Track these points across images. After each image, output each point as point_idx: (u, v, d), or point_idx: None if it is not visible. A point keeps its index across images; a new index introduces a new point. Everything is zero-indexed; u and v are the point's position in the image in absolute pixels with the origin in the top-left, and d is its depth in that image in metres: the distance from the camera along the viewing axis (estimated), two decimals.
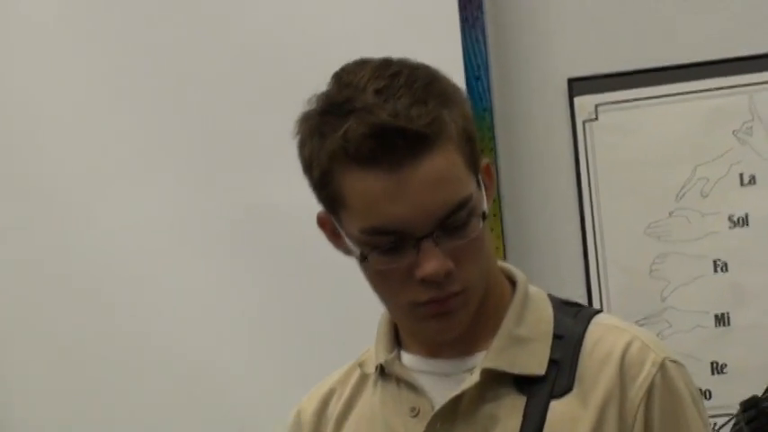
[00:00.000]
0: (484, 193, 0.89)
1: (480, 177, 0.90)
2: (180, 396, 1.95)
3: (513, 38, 1.84)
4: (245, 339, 1.94)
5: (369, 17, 1.86)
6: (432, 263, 0.84)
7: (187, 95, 2.00)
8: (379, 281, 0.90)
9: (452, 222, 0.85)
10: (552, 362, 0.91)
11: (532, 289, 0.97)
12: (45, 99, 2.04)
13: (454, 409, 0.91)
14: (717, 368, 1.78)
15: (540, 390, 0.91)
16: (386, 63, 0.89)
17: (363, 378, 1.00)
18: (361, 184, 0.85)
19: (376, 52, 0.91)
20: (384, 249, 0.87)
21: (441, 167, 0.85)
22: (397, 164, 0.83)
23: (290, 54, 1.91)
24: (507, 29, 1.84)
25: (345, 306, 1.81)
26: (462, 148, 0.87)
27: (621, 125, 1.82)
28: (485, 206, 0.89)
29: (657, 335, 1.39)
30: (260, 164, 1.92)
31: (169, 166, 1.98)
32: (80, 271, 2.01)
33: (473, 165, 0.88)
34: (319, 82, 0.89)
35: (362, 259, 0.89)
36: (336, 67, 0.90)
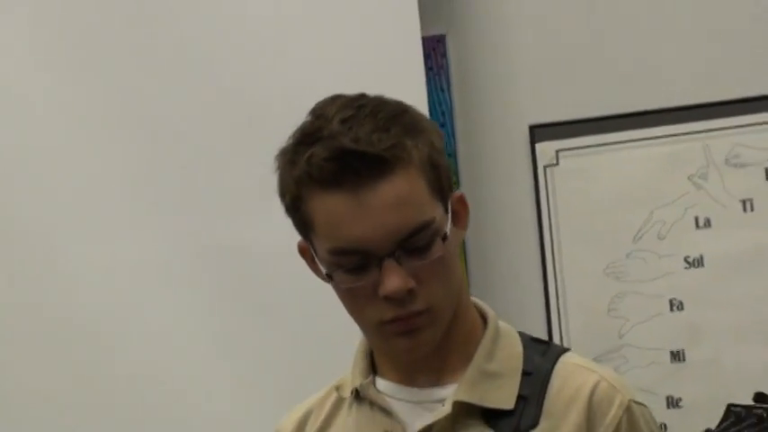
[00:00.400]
0: (450, 219, 0.92)
1: (450, 205, 0.93)
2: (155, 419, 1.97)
3: (476, 86, 1.89)
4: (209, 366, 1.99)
5: (334, 64, 1.89)
6: (393, 281, 0.87)
7: (157, 140, 2.03)
8: (348, 299, 0.93)
9: (413, 243, 0.89)
10: (520, 397, 0.94)
11: (503, 325, 1.00)
12: (17, 143, 2.05)
13: None
14: (672, 402, 1.83)
15: (508, 424, 0.94)
16: (357, 97, 0.94)
17: (339, 401, 1.03)
18: (325, 206, 0.89)
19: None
20: (349, 269, 0.90)
21: (400, 190, 0.89)
22: (358, 186, 0.88)
23: (258, 100, 1.96)
24: (471, 77, 1.89)
25: (304, 339, 1.86)
26: (426, 175, 0.91)
27: (581, 170, 1.86)
28: (447, 230, 0.91)
29: (615, 370, 1.48)
30: (222, 207, 1.97)
31: (135, 208, 2.01)
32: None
33: (439, 191, 0.92)
34: (283, 125, 0.94)
35: (329, 279, 0.92)
36: (296, 112, 0.95)
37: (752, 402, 1.65)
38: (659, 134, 1.91)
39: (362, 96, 0.94)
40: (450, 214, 0.93)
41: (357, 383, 1.00)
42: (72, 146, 2.02)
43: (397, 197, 0.89)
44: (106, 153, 2.01)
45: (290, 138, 0.92)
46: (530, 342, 1.00)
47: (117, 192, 2.00)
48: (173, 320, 1.98)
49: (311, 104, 0.94)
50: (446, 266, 0.93)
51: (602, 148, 1.86)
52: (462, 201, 0.97)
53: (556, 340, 1.73)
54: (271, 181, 0.95)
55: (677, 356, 1.83)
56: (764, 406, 1.56)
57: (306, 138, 0.90)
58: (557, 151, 1.85)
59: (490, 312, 1.01)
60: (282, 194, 0.93)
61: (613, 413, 0.93)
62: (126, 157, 2.00)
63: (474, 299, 1.03)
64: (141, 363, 1.98)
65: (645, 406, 0.96)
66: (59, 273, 2.01)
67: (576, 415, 0.94)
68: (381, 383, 1.00)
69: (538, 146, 1.85)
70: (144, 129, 2.01)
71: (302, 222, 0.93)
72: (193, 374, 1.95)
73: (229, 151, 1.96)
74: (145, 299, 1.99)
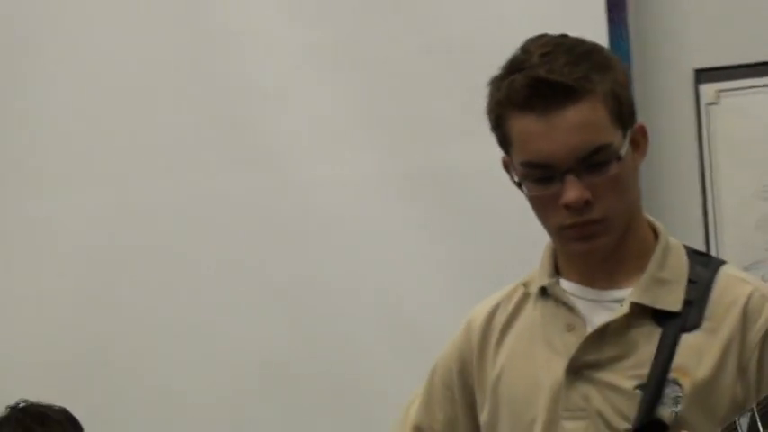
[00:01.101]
0: (627, 144, 1.04)
1: (631, 133, 1.06)
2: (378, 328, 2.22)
3: (649, 34, 2.12)
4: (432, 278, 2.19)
5: (526, 9, 2.12)
6: (572, 192, 1.01)
7: (377, 74, 2.32)
8: (536, 206, 1.06)
9: (592, 161, 1.01)
10: (686, 301, 1.05)
11: (671, 239, 1.12)
12: (270, 82, 2.38)
13: (604, 330, 1.05)
14: None
15: (674, 324, 1.04)
16: (559, 36, 1.07)
17: (525, 297, 1.14)
18: (519, 125, 1.03)
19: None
20: (537, 179, 1.04)
21: (584, 116, 1.01)
22: (548, 109, 1.01)
23: (462, 38, 2.25)
24: (645, 27, 2.12)
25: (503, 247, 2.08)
26: (609, 105, 1.02)
27: (739, 108, 2.04)
28: (623, 153, 1.03)
29: (761, 277, 1.72)
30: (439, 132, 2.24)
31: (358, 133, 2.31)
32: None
33: (619, 120, 1.04)
34: (475, 69, 1.19)
35: (519, 186, 1.08)
36: (496, 46, 1.14)
37: None
38: None
39: (564, 36, 1.07)
40: (628, 140, 1.04)
41: (544, 282, 1.12)
42: (308, 82, 2.35)
43: (581, 121, 1.01)
44: (337, 87, 2.34)
45: (500, 68, 1.07)
46: (693, 254, 1.11)
47: (346, 118, 2.32)
48: (392, 231, 2.25)
49: (506, 41, 1.10)
50: (621, 184, 1.04)
51: (759, 89, 2.02)
52: (643, 131, 1.10)
53: (712, 252, 1.91)
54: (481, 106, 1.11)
55: None
56: None
57: (511, 68, 1.05)
58: (718, 92, 2.03)
59: (661, 228, 1.12)
60: (488, 114, 1.08)
61: (763, 320, 1.04)
62: (352, 89, 2.33)
63: (647, 216, 1.14)
64: (363, 265, 2.28)
65: None
66: (297, 186, 2.36)
67: (732, 319, 1.03)
68: (564, 283, 1.10)
69: (701, 87, 2.04)
70: (366, 66, 2.33)
71: (502, 138, 1.08)
72: (411, 285, 2.22)
73: (439, 83, 2.24)
74: (366, 211, 2.29)
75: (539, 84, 1.02)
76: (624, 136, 1.05)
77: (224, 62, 2.42)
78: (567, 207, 1.03)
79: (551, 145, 1.02)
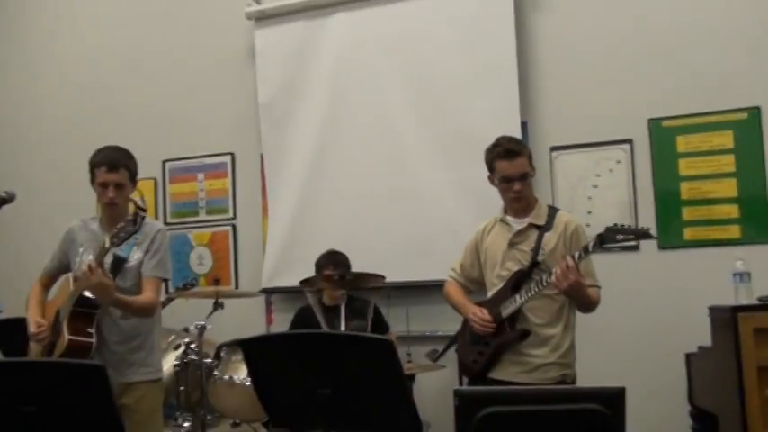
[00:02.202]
0: (532, 173, 3.55)
1: (531, 169, 3.56)
2: None
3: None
4: None
5: None
6: (517, 187, 3.47)
7: None
8: (502, 191, 3.56)
9: (523, 177, 3.45)
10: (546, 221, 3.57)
11: (542, 202, 3.56)
12: None
13: (518, 232, 3.56)
14: None
15: (542, 229, 3.51)
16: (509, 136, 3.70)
17: (495, 221, 3.66)
18: (500, 164, 3.51)
19: None
20: (505, 183, 3.50)
21: (523, 162, 3.45)
22: (511, 157, 3.45)
23: None
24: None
25: None
26: (528, 158, 3.55)
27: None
28: (531, 175, 3.52)
29: None
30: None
31: None
32: None
33: (530, 164, 3.53)
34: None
35: (496, 185, 3.56)
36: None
37: None
38: None
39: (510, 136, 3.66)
40: (531, 172, 3.53)
41: (501, 216, 3.64)
42: None
43: (522, 163, 3.46)
44: None
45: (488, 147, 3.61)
46: (550, 207, 3.65)
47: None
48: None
49: None
50: (530, 185, 3.52)
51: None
52: (533, 168, 3.60)
53: None
54: None
55: None
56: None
57: (494, 144, 3.58)
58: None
59: (540, 199, 3.63)
60: (486, 159, 3.61)
61: (570, 229, 3.52)
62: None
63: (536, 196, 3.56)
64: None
65: None
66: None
67: (561, 228, 3.50)
68: (507, 217, 3.60)
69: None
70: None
71: (491, 168, 3.51)
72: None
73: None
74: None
75: (508, 149, 3.48)
76: (531, 169, 3.54)
77: None
78: (516, 192, 3.44)
79: (512, 171, 3.46)
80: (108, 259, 3.31)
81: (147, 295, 3.38)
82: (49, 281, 3.53)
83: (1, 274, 5.38)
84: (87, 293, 3.27)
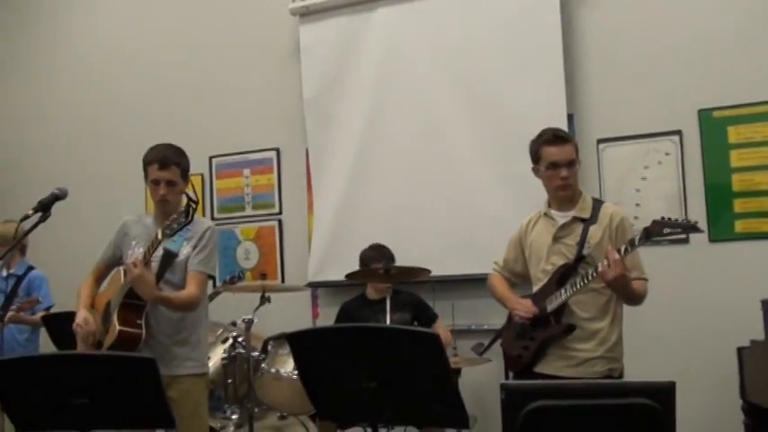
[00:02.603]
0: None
1: (577, 157, 3.52)
2: None
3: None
4: None
5: None
6: (564, 173, 3.45)
7: None
8: (548, 179, 3.49)
9: (571, 164, 3.43)
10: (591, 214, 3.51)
11: (586, 194, 3.56)
12: None
13: (563, 225, 3.49)
14: None
15: (587, 222, 3.43)
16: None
17: (539, 215, 3.63)
18: (547, 150, 3.50)
19: None
20: (553, 170, 3.46)
21: (571, 149, 3.44)
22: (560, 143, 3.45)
23: None
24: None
25: None
26: (575, 147, 3.53)
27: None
28: (577, 163, 3.51)
29: None
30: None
31: None
32: None
33: (577, 153, 3.53)
34: None
35: (538, 173, 3.55)
36: None
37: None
38: None
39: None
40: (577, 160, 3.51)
41: (545, 210, 3.58)
42: None
43: (570, 150, 3.44)
44: None
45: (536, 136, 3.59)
46: (594, 199, 3.58)
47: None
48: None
49: None
50: (576, 173, 3.56)
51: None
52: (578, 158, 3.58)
53: None
54: None
55: None
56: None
57: (541, 133, 3.56)
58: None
59: (584, 191, 3.62)
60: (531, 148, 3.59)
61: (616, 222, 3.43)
62: None
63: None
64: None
65: None
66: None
67: (606, 221, 3.44)
68: (551, 211, 3.57)
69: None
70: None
71: (536, 157, 3.52)
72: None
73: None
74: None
75: (556, 134, 3.48)
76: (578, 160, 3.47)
77: None
78: (563, 178, 3.39)
79: (560, 156, 3.41)
80: (158, 253, 3.37)
81: (189, 290, 3.41)
82: (101, 273, 3.59)
83: (54, 270, 5.49)
84: None
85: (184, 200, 3.28)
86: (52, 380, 2.56)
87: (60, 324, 4.39)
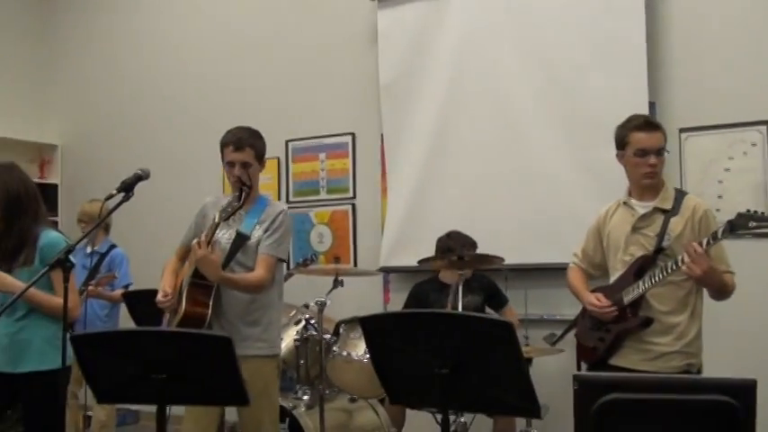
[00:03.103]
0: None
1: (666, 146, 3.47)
2: None
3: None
4: None
5: None
6: (653, 161, 3.36)
7: None
8: (635, 165, 3.37)
9: (659, 153, 3.36)
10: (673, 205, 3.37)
11: (668, 184, 3.46)
12: None
13: (643, 216, 3.41)
14: None
15: (668, 213, 3.35)
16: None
17: (618, 204, 3.53)
18: (635, 136, 3.40)
19: None
20: (641, 156, 3.34)
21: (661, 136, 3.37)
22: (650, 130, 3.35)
23: None
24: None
25: None
26: (664, 135, 3.42)
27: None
28: (666, 149, 3.43)
29: None
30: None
31: None
32: None
33: (665, 141, 3.43)
34: None
35: (622, 160, 3.45)
36: None
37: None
38: None
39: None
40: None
41: (624, 199, 3.48)
42: None
43: (660, 137, 3.36)
44: None
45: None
46: (677, 190, 3.47)
47: None
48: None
49: None
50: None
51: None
52: None
53: None
54: None
55: None
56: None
57: (630, 118, 3.44)
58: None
59: (666, 182, 3.47)
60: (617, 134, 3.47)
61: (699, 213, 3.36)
62: None
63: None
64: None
65: None
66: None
67: (688, 213, 3.34)
68: (632, 200, 3.45)
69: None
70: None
71: (622, 143, 3.43)
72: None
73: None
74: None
75: (647, 120, 3.43)
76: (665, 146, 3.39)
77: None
78: (651, 165, 3.30)
79: (650, 143, 3.31)
80: (231, 236, 3.43)
81: (257, 272, 3.45)
82: (184, 253, 3.67)
83: (135, 249, 5.65)
84: None
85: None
86: (132, 355, 2.63)
87: (140, 301, 4.52)
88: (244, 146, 3.49)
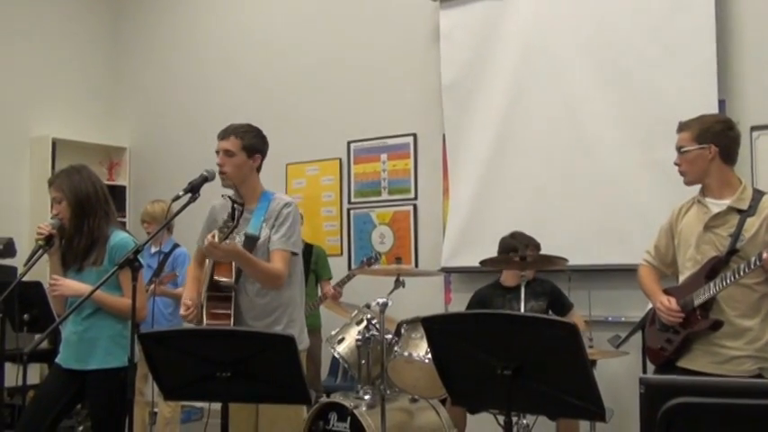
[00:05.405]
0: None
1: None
2: None
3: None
4: None
5: None
6: None
7: None
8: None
9: None
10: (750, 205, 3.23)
11: (745, 183, 3.34)
12: None
13: (716, 215, 3.29)
14: None
15: (744, 213, 3.21)
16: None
17: (693, 202, 3.41)
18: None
19: None
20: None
21: None
22: None
23: None
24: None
25: None
26: None
27: None
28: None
29: None
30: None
31: None
32: None
33: None
34: None
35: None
36: None
37: None
38: None
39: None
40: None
41: (698, 197, 3.34)
42: None
43: None
44: None
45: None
46: (755, 190, 3.29)
47: None
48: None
49: None
50: None
51: None
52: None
53: None
54: None
55: None
56: None
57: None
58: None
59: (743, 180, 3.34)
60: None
61: None
62: None
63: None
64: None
65: None
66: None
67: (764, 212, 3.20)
68: (706, 199, 3.34)
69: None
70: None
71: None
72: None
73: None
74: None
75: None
76: (693, 146, 3.34)
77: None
78: (677, 165, 3.38)
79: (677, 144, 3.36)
80: (241, 240, 3.46)
81: (275, 265, 3.44)
82: (201, 258, 3.70)
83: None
84: (216, 278, 3.46)
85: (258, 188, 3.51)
86: (199, 353, 2.68)
87: None
88: (228, 134, 3.54)
